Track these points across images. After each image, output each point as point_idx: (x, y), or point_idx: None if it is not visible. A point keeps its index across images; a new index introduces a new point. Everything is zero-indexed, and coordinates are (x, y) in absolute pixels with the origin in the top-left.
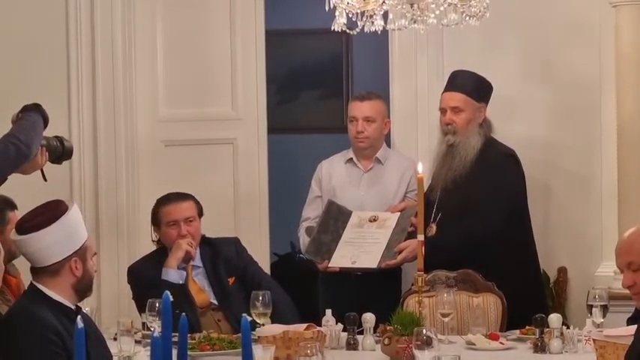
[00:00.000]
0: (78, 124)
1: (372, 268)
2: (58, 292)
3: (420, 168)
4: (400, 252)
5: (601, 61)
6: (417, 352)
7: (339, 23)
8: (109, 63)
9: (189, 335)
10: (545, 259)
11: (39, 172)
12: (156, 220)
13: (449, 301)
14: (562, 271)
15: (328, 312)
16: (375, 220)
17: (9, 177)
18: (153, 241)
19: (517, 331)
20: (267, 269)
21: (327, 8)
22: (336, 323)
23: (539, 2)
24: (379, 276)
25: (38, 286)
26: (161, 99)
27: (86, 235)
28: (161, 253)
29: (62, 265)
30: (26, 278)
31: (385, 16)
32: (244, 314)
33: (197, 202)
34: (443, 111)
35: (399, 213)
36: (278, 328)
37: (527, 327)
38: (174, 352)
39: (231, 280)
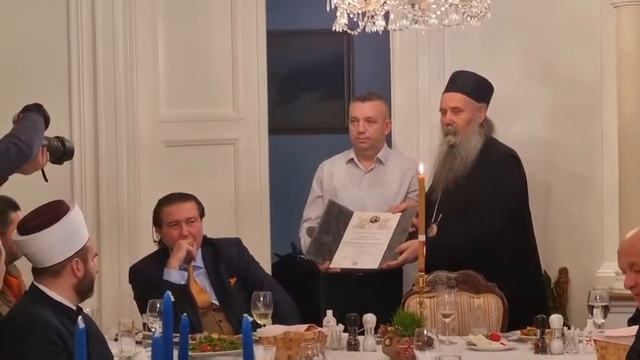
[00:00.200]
0: (79, 124)
1: (373, 268)
2: (60, 293)
3: (421, 168)
4: (401, 252)
5: (602, 61)
6: (418, 353)
7: (340, 24)
8: (110, 63)
9: (189, 336)
10: (546, 260)
11: (40, 172)
12: (157, 221)
13: (450, 302)
14: (563, 271)
15: (329, 313)
16: (376, 221)
17: (10, 177)
18: (154, 241)
19: (518, 332)
20: (268, 270)
21: (328, 9)
22: (337, 324)
23: (540, 2)
24: (380, 277)
25: (39, 287)
26: (162, 99)
27: (87, 236)
28: (162, 254)
29: (63, 266)
30: (27, 279)
31: (386, 16)
32: (245, 315)
33: (199, 203)
34: (443, 111)
35: (400, 213)
36: (279, 329)
37: (528, 327)
38: (175, 352)
39: (232, 281)
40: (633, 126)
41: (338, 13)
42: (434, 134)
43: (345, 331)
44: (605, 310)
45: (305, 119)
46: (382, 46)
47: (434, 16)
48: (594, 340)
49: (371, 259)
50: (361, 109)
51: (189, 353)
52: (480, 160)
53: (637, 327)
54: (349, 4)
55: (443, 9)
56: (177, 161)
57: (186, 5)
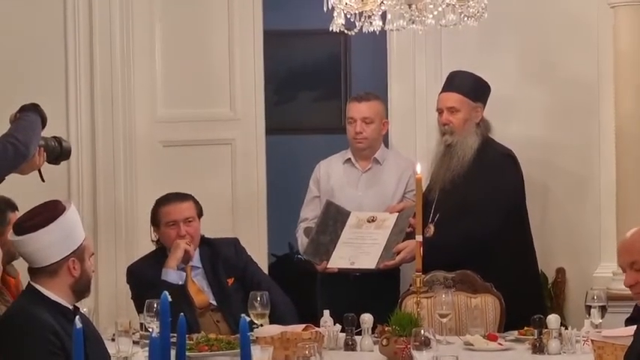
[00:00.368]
0: (76, 124)
1: (370, 268)
2: (56, 293)
3: (418, 168)
4: (398, 252)
5: (599, 61)
6: (415, 353)
7: (337, 24)
8: (107, 63)
9: (187, 336)
10: (544, 260)
11: (37, 172)
12: (155, 221)
13: (447, 302)
14: (560, 271)
15: (326, 313)
16: (373, 221)
17: (7, 177)
18: (152, 241)
19: (515, 332)
20: (265, 270)
21: (325, 9)
22: (335, 324)
23: (537, 3)
24: (378, 277)
25: (36, 287)
26: (159, 99)
27: (84, 236)
28: (160, 254)
29: (60, 266)
30: (25, 279)
31: (383, 16)
32: (243, 315)
33: (197, 203)
34: (440, 111)
35: (397, 213)
36: (276, 329)
37: (525, 328)
38: (172, 352)
39: (230, 281)
40: (630, 126)
41: (335, 14)
42: (431, 134)
43: (342, 331)
44: (603, 310)
45: (302, 119)
46: (379, 46)
47: (431, 16)
48: (591, 340)
49: (368, 259)
50: (358, 110)
51: (187, 353)
52: (477, 160)
53: (635, 327)
54: (346, 4)
55: (440, 9)
56: (174, 161)
57: (184, 5)
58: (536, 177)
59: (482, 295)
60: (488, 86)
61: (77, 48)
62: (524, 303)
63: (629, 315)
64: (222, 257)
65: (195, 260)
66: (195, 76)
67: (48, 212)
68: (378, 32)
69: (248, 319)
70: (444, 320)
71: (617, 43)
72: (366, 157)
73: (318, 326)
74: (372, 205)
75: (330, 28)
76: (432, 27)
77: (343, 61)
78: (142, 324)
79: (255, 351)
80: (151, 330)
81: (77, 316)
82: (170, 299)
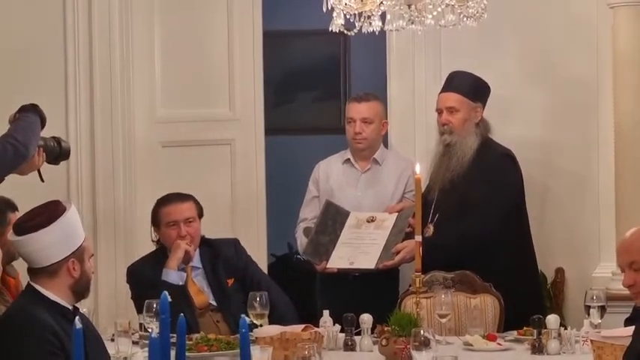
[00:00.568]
0: (75, 124)
1: (369, 268)
2: (56, 293)
3: (417, 169)
4: (398, 252)
5: (598, 61)
6: (414, 353)
7: (336, 24)
8: (107, 64)
9: (186, 336)
10: (543, 260)
11: (36, 172)
12: (156, 221)
13: (446, 302)
14: (559, 271)
15: (326, 313)
16: (372, 221)
17: (7, 178)
18: (153, 241)
19: (515, 332)
20: (264, 270)
21: (324, 9)
22: (334, 324)
23: (537, 3)
24: (377, 277)
25: (36, 287)
26: (158, 100)
27: (84, 236)
28: (160, 254)
29: (60, 266)
30: (25, 279)
31: (383, 16)
32: (243, 315)
33: (197, 203)
34: (439, 111)
35: (396, 214)
36: (275, 329)
37: (524, 328)
38: (172, 352)
39: (230, 281)
40: (629, 126)
41: (334, 14)
42: (430, 134)
43: (341, 331)
44: (602, 310)
45: (301, 119)
46: (378, 46)
47: (430, 16)
48: (591, 341)
49: (367, 259)
50: (358, 110)
51: (186, 354)
52: (476, 160)
53: (634, 327)
54: (346, 4)
55: (439, 9)
56: (173, 161)
57: (183, 6)
58: (536, 177)
59: (482, 295)
60: (488, 86)
61: (76, 48)
62: (524, 303)
63: (628, 315)
64: (222, 258)
65: (196, 260)
66: (194, 76)
67: (48, 212)
68: (377, 32)
69: (248, 319)
70: (444, 320)
71: (616, 44)
72: (366, 157)
73: (318, 326)
74: (371, 205)
75: (330, 29)
76: (432, 27)
77: (342, 61)
78: (141, 324)
79: (255, 351)
80: (150, 330)
81: (77, 317)
82: (170, 299)
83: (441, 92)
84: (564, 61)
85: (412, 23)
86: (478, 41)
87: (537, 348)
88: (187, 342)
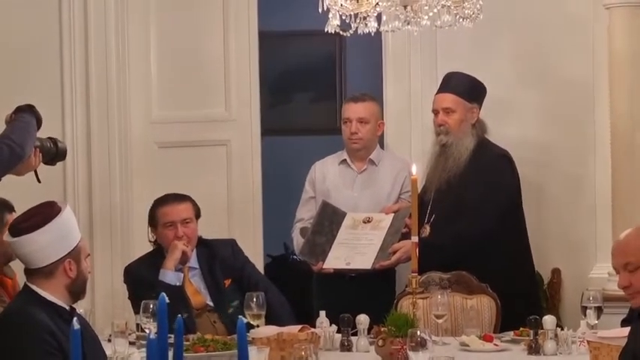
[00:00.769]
0: (71, 125)
1: (366, 269)
2: (52, 293)
3: (413, 169)
4: (394, 253)
5: (594, 62)
6: (411, 354)
7: (332, 25)
8: (103, 64)
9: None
10: (539, 261)
11: (32, 173)
12: (153, 221)
13: (443, 303)
14: (556, 272)
15: (322, 313)
16: (369, 222)
17: (3, 178)
18: (150, 241)
19: (511, 333)
20: (260, 271)
21: (320, 10)
22: (330, 325)
23: (533, 4)
24: (373, 277)
25: (32, 287)
26: (154, 100)
27: (79, 237)
28: (158, 254)
29: (56, 267)
30: (22, 279)
31: (379, 17)
32: (240, 316)
33: (194, 204)
34: (435, 112)
35: (392, 214)
36: (272, 330)
37: (521, 328)
38: (170, 353)
39: (227, 282)
40: (625, 127)
41: (330, 15)
42: (426, 135)
43: (338, 331)
44: (598, 311)
45: (297, 120)
46: (374, 47)
47: (426, 17)
48: (587, 341)
49: (364, 260)
50: (354, 110)
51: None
52: (472, 161)
53: (629, 328)
54: (341, 5)
55: (435, 10)
56: (169, 162)
57: (179, 7)
58: (532, 177)
59: (478, 295)
60: (484, 87)
61: (72, 49)
62: (520, 304)
63: (624, 316)
64: (219, 258)
65: (193, 261)
66: (190, 77)
67: (43, 213)
68: (373, 33)
69: (245, 320)
70: (440, 321)
71: (612, 44)
72: (362, 157)
73: (314, 327)
74: (367, 206)
75: (326, 30)
76: (428, 28)
77: (338, 62)
78: (138, 324)
79: (252, 352)
80: (147, 331)
81: (75, 317)
82: (167, 300)
83: (437, 93)
84: (560, 62)
85: (408, 24)
86: (474, 42)
87: (534, 349)
88: (184, 343)
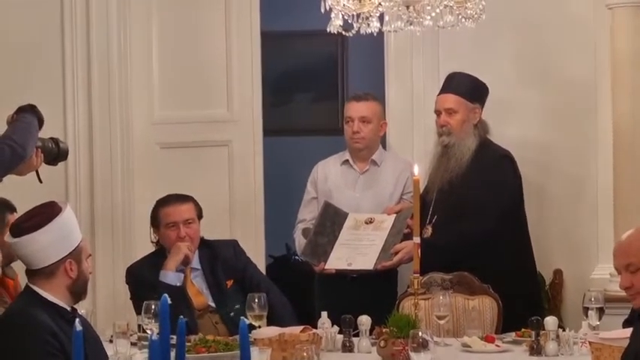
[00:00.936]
0: (73, 125)
1: (367, 269)
2: (54, 294)
3: (415, 170)
4: (396, 253)
5: (596, 62)
6: (412, 355)
7: (334, 25)
8: (105, 64)
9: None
10: (541, 261)
11: (34, 173)
12: (155, 222)
13: (445, 304)
14: (557, 273)
15: (324, 314)
16: (371, 222)
17: (4, 179)
18: (152, 242)
19: (513, 334)
20: (262, 271)
21: (322, 10)
22: (332, 325)
23: (535, 4)
24: (375, 278)
25: (34, 288)
26: (156, 101)
27: (80, 237)
28: (160, 255)
29: (57, 267)
30: (23, 280)
31: (381, 18)
32: (242, 317)
33: (197, 204)
34: (437, 113)
35: (394, 215)
36: (274, 331)
37: (523, 329)
38: (172, 354)
39: (229, 283)
40: (628, 127)
41: (333, 15)
42: (428, 136)
43: (339, 332)
44: (600, 311)
45: (299, 121)
46: (376, 47)
47: (428, 17)
48: (589, 342)
49: (366, 261)
50: (356, 109)
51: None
52: (474, 161)
53: (631, 329)
54: (344, 5)
55: (438, 10)
56: (171, 163)
57: (181, 7)
58: (534, 178)
59: (480, 296)
60: (486, 87)
61: (74, 49)
62: (522, 304)
63: (626, 317)
64: (221, 259)
65: (195, 262)
66: (192, 77)
67: (44, 213)
68: (375, 34)
69: (247, 321)
70: (442, 322)
71: (614, 44)
72: (364, 158)
73: (316, 328)
74: (369, 206)
75: (328, 30)
76: (430, 28)
77: (340, 62)
78: (140, 325)
79: (253, 353)
80: (150, 332)
81: (77, 319)
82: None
83: (439, 94)
84: (562, 62)
85: (410, 24)
86: (476, 42)
87: (535, 349)
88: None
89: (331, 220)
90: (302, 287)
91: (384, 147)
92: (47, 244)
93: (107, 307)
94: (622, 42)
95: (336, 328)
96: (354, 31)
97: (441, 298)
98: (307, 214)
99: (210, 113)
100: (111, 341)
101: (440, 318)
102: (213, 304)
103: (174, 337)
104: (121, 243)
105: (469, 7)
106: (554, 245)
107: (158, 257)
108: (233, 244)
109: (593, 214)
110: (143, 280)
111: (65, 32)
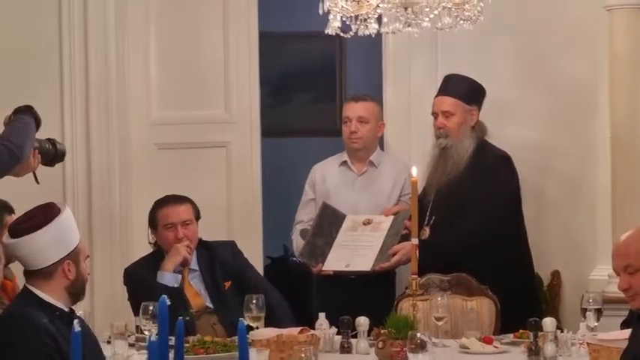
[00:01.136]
0: (71, 126)
1: (365, 271)
2: (52, 295)
3: (413, 171)
4: (394, 255)
5: (595, 64)
6: (411, 356)
7: (333, 27)
8: (102, 65)
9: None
10: (539, 263)
11: (32, 174)
12: (153, 223)
13: (443, 305)
14: (556, 274)
15: (322, 315)
16: (369, 224)
17: (1, 180)
18: (150, 243)
19: (511, 335)
20: (260, 272)
21: (320, 11)
22: (330, 326)
23: (534, 6)
24: (373, 279)
25: (32, 289)
26: (154, 102)
27: (79, 238)
28: (158, 256)
29: (55, 268)
30: (22, 281)
31: (379, 19)
32: (241, 318)
33: (194, 205)
34: (435, 115)
35: (392, 216)
36: (272, 332)
37: (521, 331)
38: (170, 355)
39: (227, 284)
40: (626, 129)
41: (331, 16)
42: (426, 137)
43: (337, 333)
44: (598, 313)
45: (297, 122)
46: (374, 48)
47: (427, 19)
48: (587, 343)
49: (363, 262)
50: (354, 109)
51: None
52: (472, 163)
53: (630, 330)
54: (342, 7)
55: (436, 12)
56: (169, 164)
57: (178, 7)
58: (532, 180)
59: (478, 297)
60: (483, 89)
61: (72, 50)
62: (520, 306)
63: (624, 318)
64: (219, 260)
65: (193, 263)
66: (190, 78)
67: (42, 215)
68: (373, 35)
69: (246, 322)
70: (440, 323)
71: (612, 46)
72: (362, 159)
73: (314, 329)
74: (367, 207)
75: (326, 31)
76: (428, 30)
77: (338, 63)
78: (137, 326)
79: (251, 354)
80: (148, 333)
81: (76, 320)
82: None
83: (436, 96)
84: (561, 64)
85: (409, 26)
86: (474, 44)
87: (533, 351)
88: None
89: (329, 221)
90: (300, 288)
91: (382, 148)
92: (46, 245)
93: (105, 308)
94: (620, 44)
95: (334, 330)
96: (352, 33)
97: (439, 299)
98: (305, 216)
99: (209, 114)
100: (109, 342)
101: (438, 319)
102: (211, 306)
103: (172, 338)
104: (118, 244)
105: (467, 8)
106: (552, 246)
107: (156, 258)
108: (231, 246)
109: (592, 215)
110: (141, 281)
111: (63, 33)
